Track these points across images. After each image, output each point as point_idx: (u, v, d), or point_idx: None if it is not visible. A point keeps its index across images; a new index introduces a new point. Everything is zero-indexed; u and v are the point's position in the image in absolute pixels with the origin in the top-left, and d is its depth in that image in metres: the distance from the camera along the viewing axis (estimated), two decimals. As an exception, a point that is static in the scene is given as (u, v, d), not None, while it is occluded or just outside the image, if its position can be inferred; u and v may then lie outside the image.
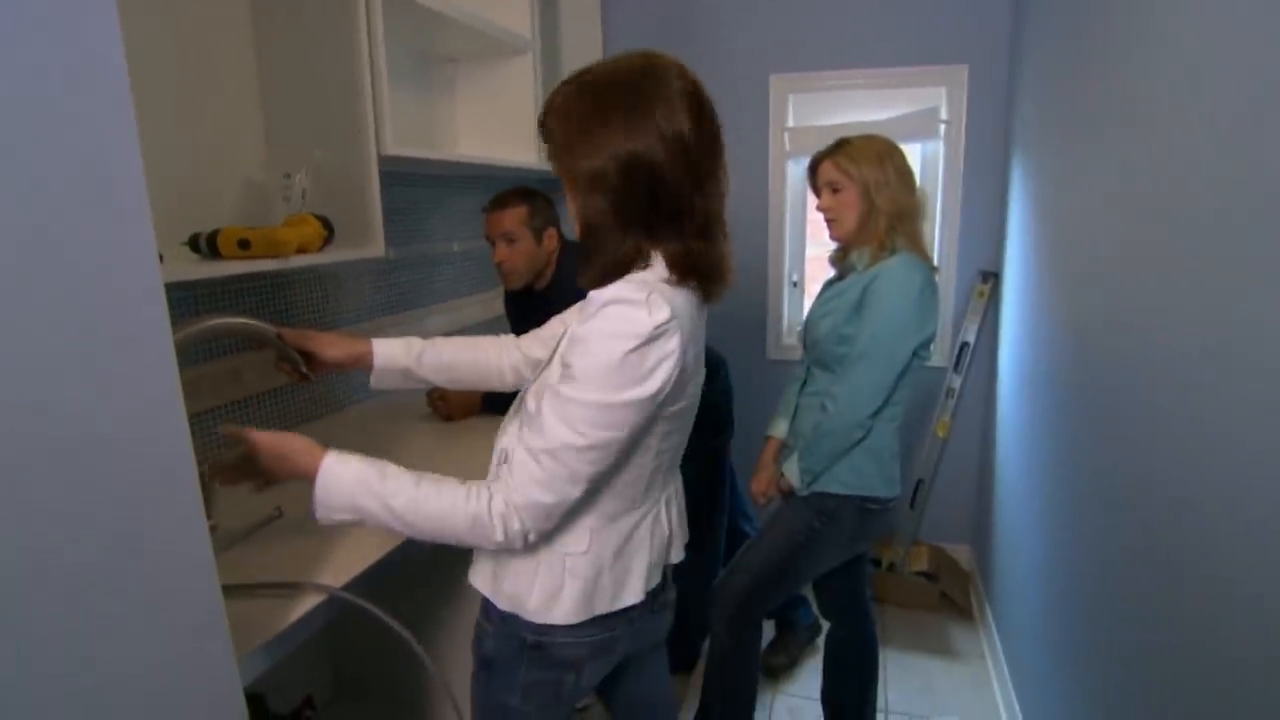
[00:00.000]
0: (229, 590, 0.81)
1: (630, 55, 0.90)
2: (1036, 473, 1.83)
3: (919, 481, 2.69)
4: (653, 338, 0.82)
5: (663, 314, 0.82)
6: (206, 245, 1.29)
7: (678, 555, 1.07)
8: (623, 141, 0.84)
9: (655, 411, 0.88)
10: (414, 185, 2.11)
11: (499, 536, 0.87)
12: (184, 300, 1.42)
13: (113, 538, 0.62)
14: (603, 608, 0.97)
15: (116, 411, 0.62)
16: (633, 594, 0.98)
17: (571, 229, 0.98)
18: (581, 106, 0.88)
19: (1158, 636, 1.09)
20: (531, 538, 0.90)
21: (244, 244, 1.29)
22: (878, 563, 2.66)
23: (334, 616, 1.02)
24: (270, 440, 0.93)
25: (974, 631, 2.43)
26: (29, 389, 0.55)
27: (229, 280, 1.53)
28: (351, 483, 0.88)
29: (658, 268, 0.89)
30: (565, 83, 0.91)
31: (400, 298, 2.12)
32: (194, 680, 0.72)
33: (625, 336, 0.82)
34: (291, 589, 1.00)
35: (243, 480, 0.98)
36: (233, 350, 1.57)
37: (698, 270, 0.89)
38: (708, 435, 2.10)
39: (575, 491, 0.87)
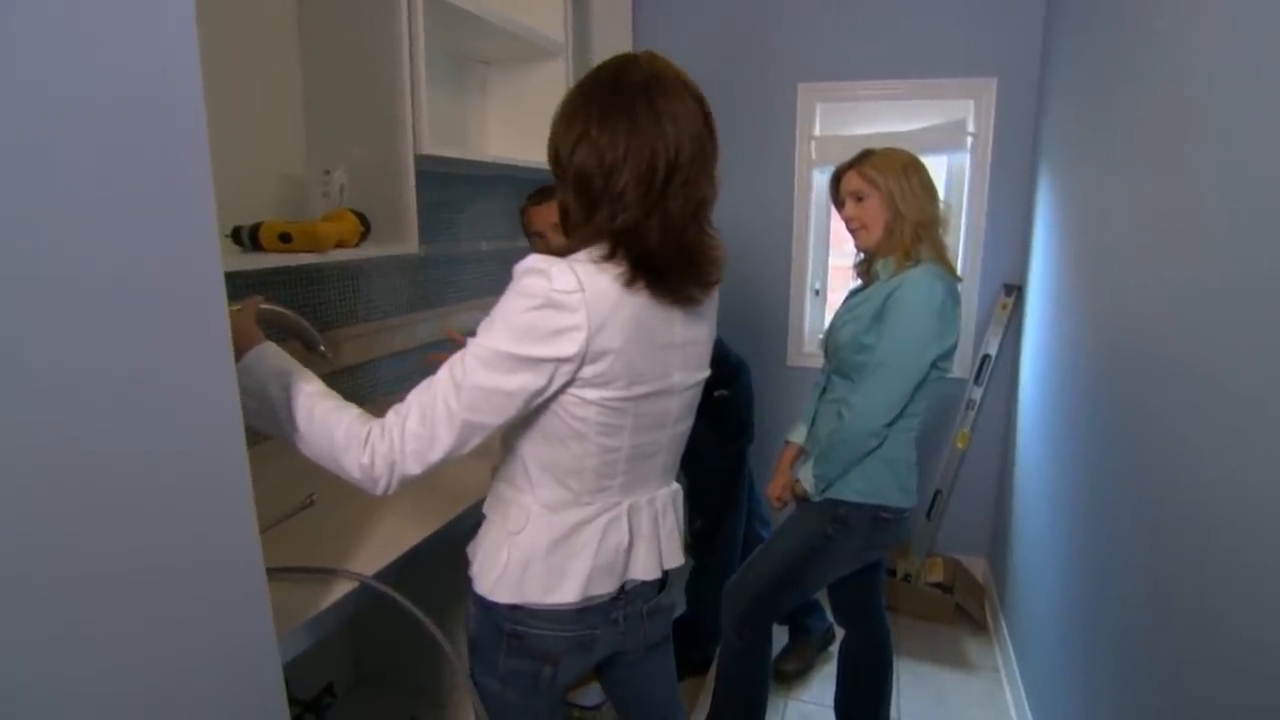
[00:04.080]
0: (268, 572, 0.83)
1: (627, 55, 0.95)
2: (1057, 488, 1.83)
3: (936, 492, 2.68)
4: (552, 303, 0.85)
5: (564, 282, 0.85)
6: (249, 238, 1.32)
7: (648, 570, 1.04)
8: (574, 149, 0.90)
9: (563, 386, 0.89)
10: (444, 184, 2.15)
11: (363, 458, 0.87)
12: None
13: (168, 515, 0.65)
14: (533, 598, 0.97)
15: (179, 403, 0.65)
16: (566, 594, 0.97)
17: None
18: (564, 105, 0.94)
19: (1183, 658, 1.08)
20: (394, 476, 0.88)
21: (285, 237, 1.32)
22: (893, 573, 2.65)
23: (365, 605, 1.04)
24: None
25: (988, 644, 2.43)
26: (101, 374, 0.58)
27: (265, 273, 1.57)
28: (272, 371, 0.90)
29: (592, 250, 0.90)
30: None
31: (429, 294, 2.16)
32: (238, 658, 0.75)
33: (525, 296, 0.86)
34: (326, 573, 1.03)
35: None
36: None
37: (634, 259, 0.89)
38: (728, 438, 2.13)
39: (447, 436, 0.87)
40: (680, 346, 0.98)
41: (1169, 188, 1.24)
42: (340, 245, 1.44)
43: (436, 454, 0.88)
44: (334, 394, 0.93)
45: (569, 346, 0.86)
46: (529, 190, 1.92)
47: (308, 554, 1.12)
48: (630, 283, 0.89)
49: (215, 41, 1.44)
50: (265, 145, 1.56)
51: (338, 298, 1.80)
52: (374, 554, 1.13)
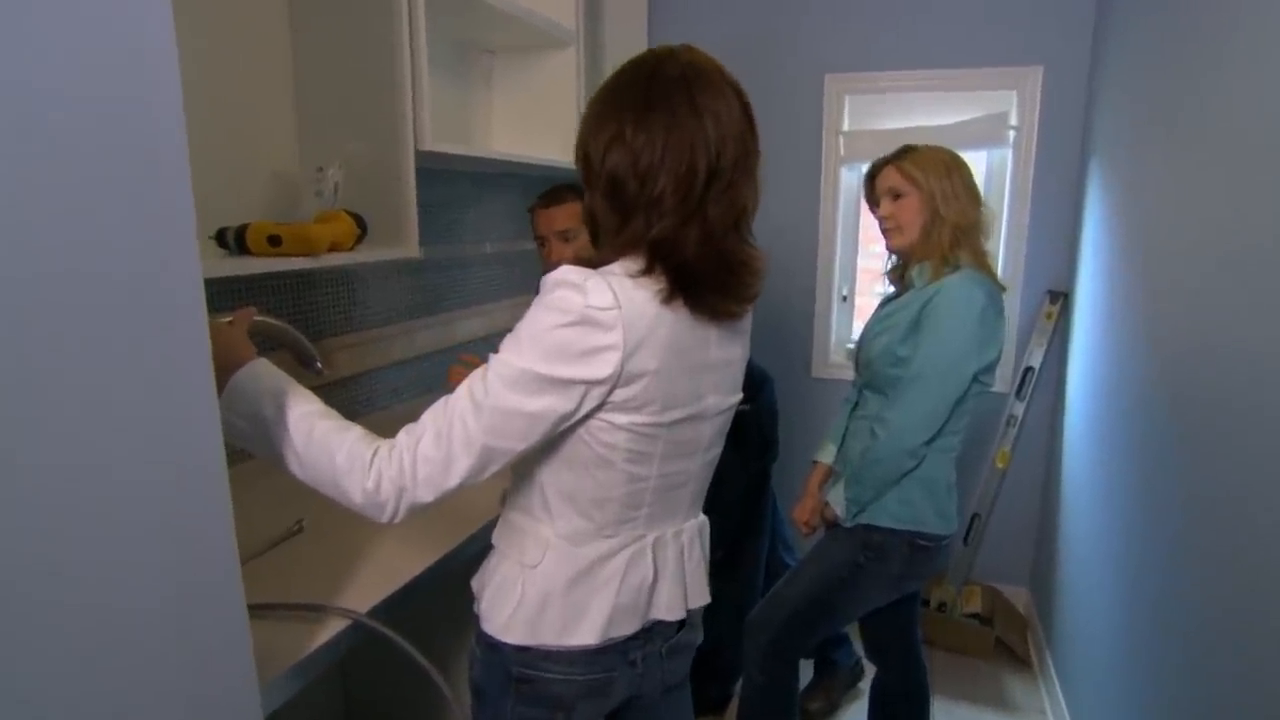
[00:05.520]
0: (250, 610, 0.80)
1: (662, 49, 0.92)
2: (1110, 512, 1.77)
3: (974, 516, 2.63)
4: (586, 320, 0.82)
5: (600, 299, 0.82)
6: (234, 240, 1.30)
7: (672, 609, 1.00)
8: (606, 153, 0.88)
9: (592, 410, 0.86)
10: (446, 182, 2.13)
11: (368, 482, 0.84)
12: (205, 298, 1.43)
13: (139, 543, 0.62)
14: (549, 639, 0.94)
15: (151, 418, 0.62)
16: (586, 635, 0.94)
17: None
18: (594, 104, 0.92)
19: (1269, 701, 1.03)
20: (402, 503, 0.85)
21: (274, 240, 1.30)
22: (926, 602, 2.59)
23: (358, 644, 1.01)
24: None
25: (1032, 683, 2.36)
26: (58, 388, 0.55)
27: (254, 279, 1.55)
28: (267, 389, 0.87)
29: (627, 263, 0.88)
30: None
31: (430, 299, 2.14)
32: (214, 708, 0.71)
33: (557, 311, 0.83)
34: (315, 610, 0.99)
35: None
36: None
37: (674, 272, 0.86)
38: (750, 456, 2.08)
39: (464, 462, 0.84)
40: (715, 368, 0.95)
41: (1236, 187, 1.21)
42: (334, 248, 1.41)
43: (452, 480, 0.85)
44: (334, 413, 0.90)
45: (603, 368, 0.83)
46: (538, 189, 1.90)
47: (296, 586, 1.09)
48: (669, 299, 0.86)
49: (199, 26, 1.43)
50: (254, 140, 1.54)
51: (331, 304, 1.77)
52: (369, 586, 1.10)
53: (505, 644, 0.95)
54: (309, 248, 1.32)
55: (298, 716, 1.59)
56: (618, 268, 0.87)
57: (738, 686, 1.82)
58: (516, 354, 0.84)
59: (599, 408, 0.87)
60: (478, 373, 0.86)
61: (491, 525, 1.02)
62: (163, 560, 0.65)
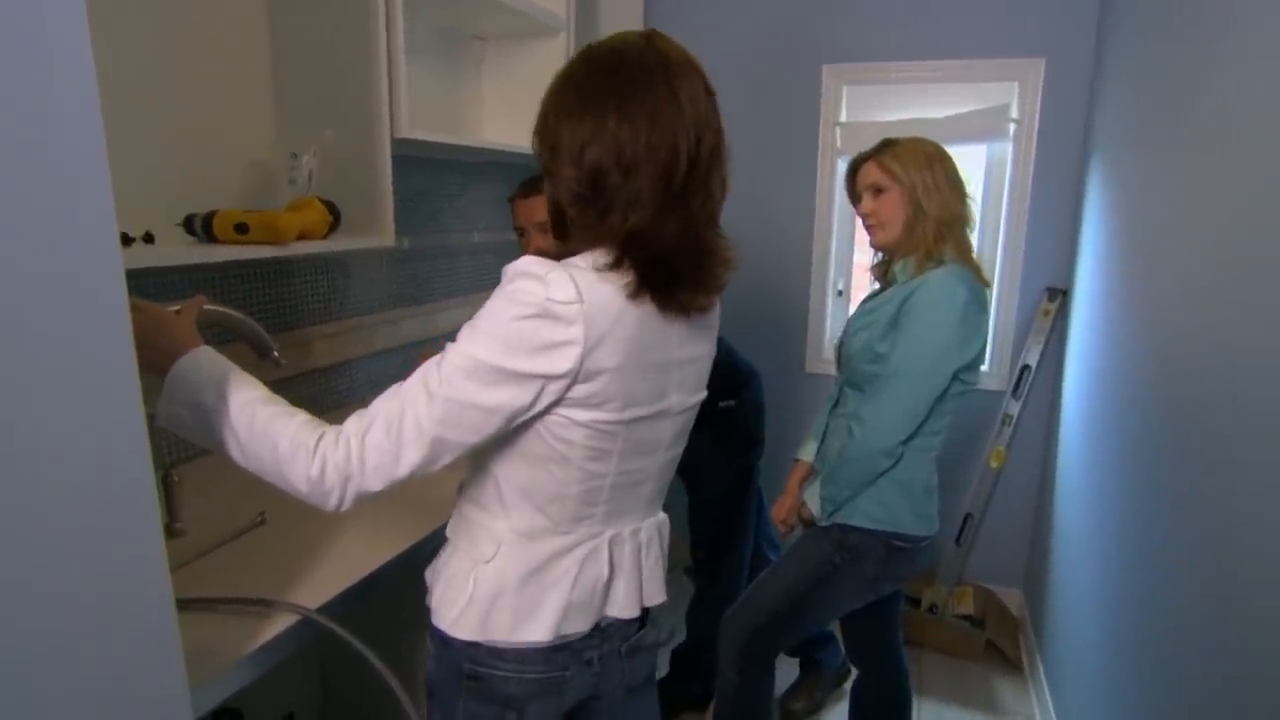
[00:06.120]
0: (192, 604, 0.79)
1: (627, 35, 0.90)
2: (1105, 513, 1.74)
3: (967, 516, 2.59)
4: (545, 313, 0.81)
5: (562, 292, 0.80)
6: (201, 228, 1.29)
7: (626, 607, 0.99)
8: (581, 143, 0.85)
9: (549, 405, 0.85)
10: (433, 170, 2.11)
11: (312, 469, 0.82)
12: (173, 285, 1.42)
13: (52, 541, 0.61)
14: (499, 636, 0.92)
15: (59, 406, 0.60)
16: (537, 632, 0.92)
17: None
18: (547, 102, 0.90)
19: (1246, 707, 1.01)
20: (348, 491, 0.83)
21: (241, 228, 1.28)
22: (916, 603, 2.57)
23: (308, 640, 1.00)
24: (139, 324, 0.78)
25: (1023, 686, 2.33)
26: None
27: (225, 266, 1.53)
28: (208, 377, 0.86)
29: (595, 255, 0.86)
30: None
31: (414, 289, 2.12)
32: (134, 705, 0.70)
33: (516, 303, 0.81)
34: (262, 606, 0.98)
35: None
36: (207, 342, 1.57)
37: (643, 265, 0.85)
38: (735, 453, 2.06)
39: (415, 453, 0.83)
40: (679, 365, 0.94)
41: (1239, 185, 1.17)
42: (304, 237, 1.39)
43: (401, 470, 0.83)
44: (279, 399, 0.88)
45: (562, 363, 0.82)
46: (526, 178, 1.87)
47: (254, 578, 1.08)
48: (635, 294, 0.85)
49: (174, 10, 1.42)
50: (230, 127, 1.52)
51: (309, 293, 1.76)
52: (330, 579, 1.09)
53: (456, 639, 0.94)
54: (276, 236, 1.30)
55: (273, 697, 1.59)
56: (583, 260, 0.86)
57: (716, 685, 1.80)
58: (473, 344, 0.83)
59: (556, 403, 0.85)
60: (432, 361, 0.85)
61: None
62: (82, 555, 0.64)
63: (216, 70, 1.48)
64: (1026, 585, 2.65)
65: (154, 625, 0.72)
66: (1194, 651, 1.17)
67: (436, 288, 2.21)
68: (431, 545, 1.25)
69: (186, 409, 0.85)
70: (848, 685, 2.15)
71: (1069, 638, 1.97)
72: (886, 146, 1.50)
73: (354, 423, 0.84)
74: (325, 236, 1.45)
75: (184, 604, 0.74)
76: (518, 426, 0.87)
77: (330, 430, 0.84)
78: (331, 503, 0.84)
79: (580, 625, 0.96)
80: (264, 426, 0.84)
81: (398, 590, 1.18)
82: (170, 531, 1.20)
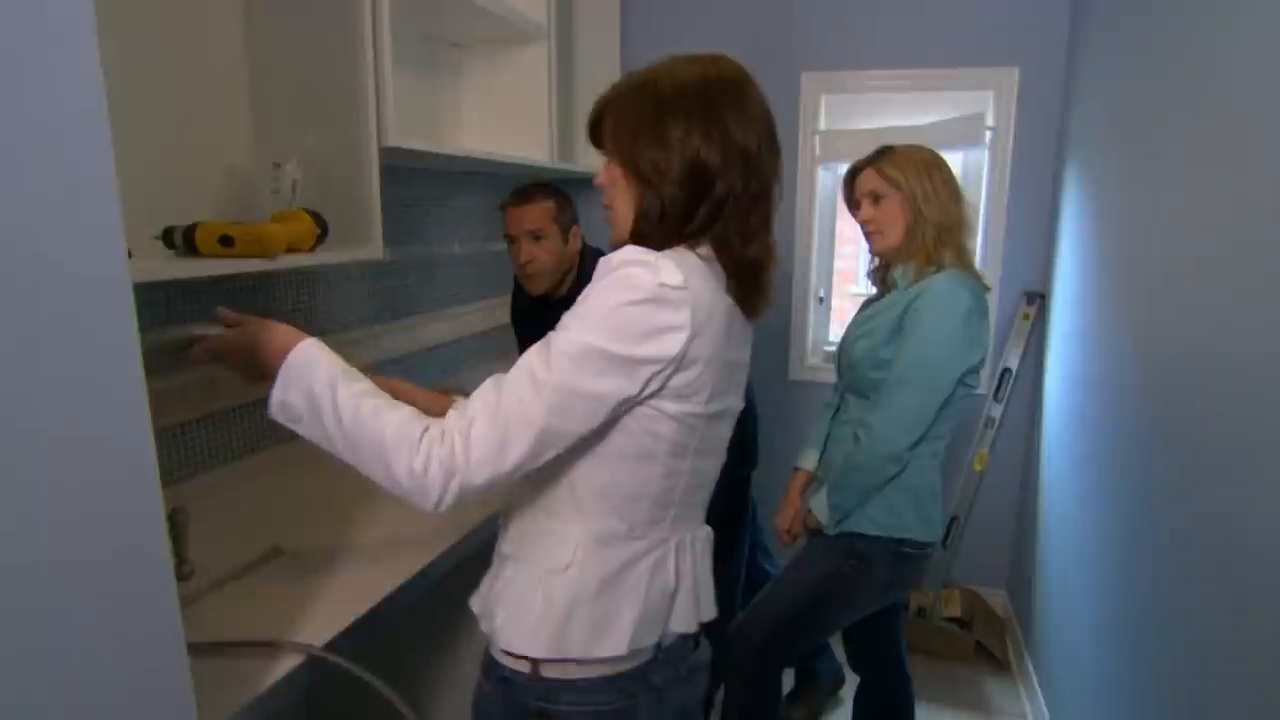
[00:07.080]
0: (198, 649, 0.73)
1: (702, 60, 0.92)
2: (1090, 511, 1.77)
3: (953, 518, 2.62)
4: (656, 298, 0.81)
5: (671, 276, 0.81)
6: (183, 241, 1.22)
7: (686, 620, 0.95)
8: (694, 144, 0.87)
9: (651, 394, 0.84)
10: (411, 180, 2.05)
11: (415, 463, 0.79)
12: (154, 302, 1.35)
13: (59, 585, 0.55)
14: (575, 651, 0.88)
15: (69, 434, 0.55)
16: (614, 644, 0.89)
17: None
18: (646, 104, 0.90)
19: (1235, 703, 1.02)
20: (451, 487, 0.80)
21: (226, 241, 1.22)
22: (905, 606, 2.57)
23: (318, 677, 0.94)
24: (236, 342, 0.91)
25: (1012, 686, 2.36)
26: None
27: (206, 280, 1.46)
28: (321, 368, 0.85)
29: (691, 247, 0.89)
30: (631, 76, 0.94)
31: (397, 303, 2.06)
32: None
33: (625, 288, 0.81)
34: (267, 648, 0.92)
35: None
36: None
37: (735, 265, 0.89)
38: (732, 463, 2.01)
39: (522, 444, 0.80)
40: (740, 367, 0.95)
41: (1211, 188, 1.20)
42: (292, 249, 1.33)
43: (507, 464, 0.81)
44: (383, 393, 0.86)
45: (670, 346, 0.82)
46: (508, 188, 1.83)
47: (266, 614, 1.02)
48: (727, 286, 0.88)
49: (148, 13, 1.35)
50: (206, 134, 1.45)
51: (291, 308, 1.69)
52: (337, 613, 1.02)
53: (521, 674, 0.90)
54: (264, 249, 1.24)
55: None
56: (681, 250, 0.87)
57: (718, 696, 1.77)
58: (582, 331, 0.81)
59: (656, 392, 0.84)
60: (535, 350, 0.83)
61: (458, 546, 0.96)
62: (91, 600, 0.58)
63: (190, 76, 1.42)
64: (1010, 585, 2.68)
65: (166, 673, 0.66)
66: (1187, 647, 1.18)
67: (419, 301, 2.16)
68: (439, 569, 1.19)
69: (301, 395, 0.83)
70: (844, 694, 2.15)
71: (1057, 635, 2.00)
72: (885, 153, 1.51)
73: (455, 417, 0.82)
74: (313, 249, 1.39)
75: (192, 648, 0.68)
76: (607, 421, 0.85)
77: (434, 424, 0.82)
78: (432, 499, 0.81)
79: (648, 639, 0.92)
80: (370, 418, 0.81)
81: (404, 625, 1.12)
82: (179, 574, 1.13)
